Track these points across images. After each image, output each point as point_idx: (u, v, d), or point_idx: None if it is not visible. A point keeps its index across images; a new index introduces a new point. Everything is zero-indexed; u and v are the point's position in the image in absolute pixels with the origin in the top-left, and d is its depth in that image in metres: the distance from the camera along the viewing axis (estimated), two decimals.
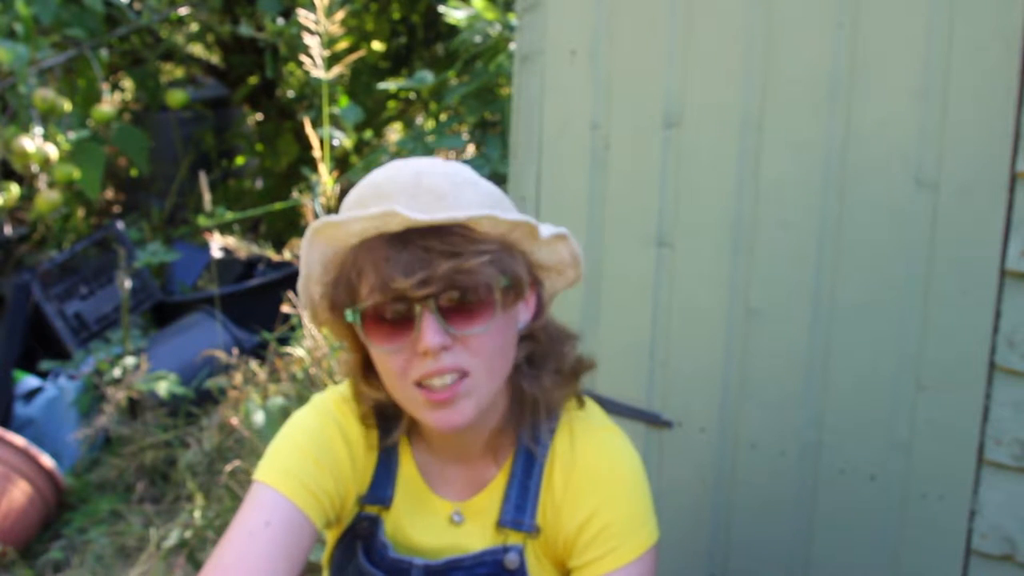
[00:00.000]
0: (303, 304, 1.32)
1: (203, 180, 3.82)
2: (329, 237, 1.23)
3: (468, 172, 1.27)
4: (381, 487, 1.38)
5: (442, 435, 1.35)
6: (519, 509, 1.35)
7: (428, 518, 1.39)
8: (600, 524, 1.33)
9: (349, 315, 1.23)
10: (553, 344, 1.36)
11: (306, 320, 3.10)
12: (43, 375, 3.80)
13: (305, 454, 1.32)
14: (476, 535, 1.37)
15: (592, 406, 1.43)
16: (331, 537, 1.45)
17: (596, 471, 1.35)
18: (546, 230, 1.28)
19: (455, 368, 1.20)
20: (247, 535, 1.23)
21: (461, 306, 1.20)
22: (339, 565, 1.42)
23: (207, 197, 3.69)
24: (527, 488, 1.36)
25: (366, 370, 1.32)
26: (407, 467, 1.40)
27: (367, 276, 1.20)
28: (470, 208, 1.20)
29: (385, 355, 1.23)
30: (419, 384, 1.22)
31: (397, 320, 1.21)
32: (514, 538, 1.36)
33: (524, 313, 1.31)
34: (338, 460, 1.34)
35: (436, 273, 1.17)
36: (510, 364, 1.29)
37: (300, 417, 1.39)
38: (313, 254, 1.25)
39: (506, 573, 1.35)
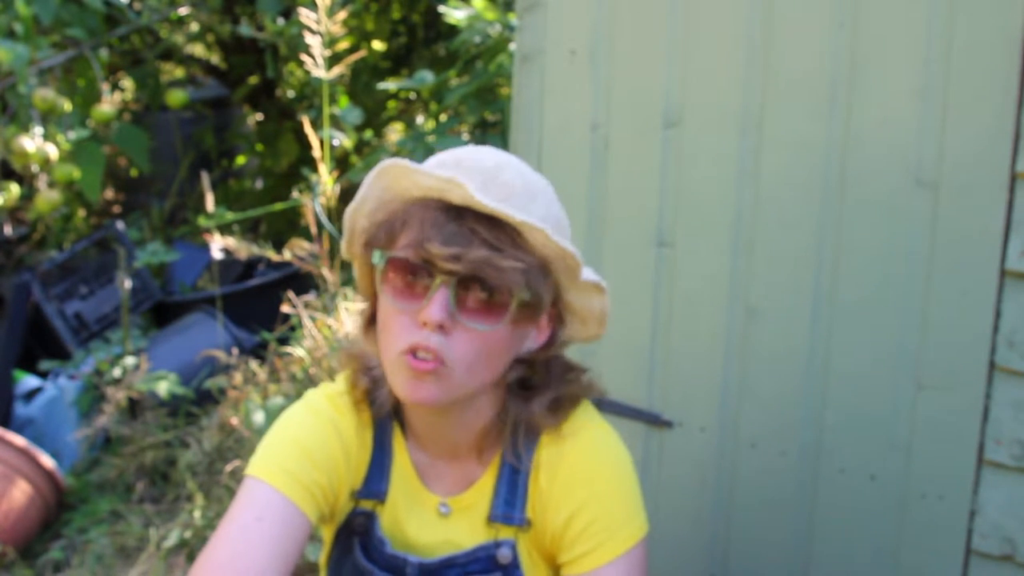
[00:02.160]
0: (344, 229, 1.33)
1: (205, 180, 3.82)
2: (394, 179, 1.24)
3: (550, 189, 1.30)
4: (375, 481, 1.39)
5: (427, 428, 1.37)
6: (508, 503, 1.36)
7: (420, 512, 1.40)
8: (587, 519, 1.33)
9: (377, 256, 1.25)
10: (551, 378, 1.37)
11: (306, 320, 3.10)
12: (43, 375, 3.80)
13: (297, 448, 1.32)
14: (467, 531, 1.38)
15: (582, 402, 1.43)
16: (328, 535, 1.45)
17: (582, 466, 1.35)
18: (587, 274, 1.29)
19: (438, 352, 1.21)
20: (240, 530, 1.23)
21: (476, 298, 1.22)
22: (337, 562, 1.43)
23: (209, 197, 3.68)
24: (515, 484, 1.37)
25: (370, 324, 1.35)
26: (401, 461, 1.40)
27: (409, 230, 1.23)
28: (531, 217, 1.21)
29: (392, 310, 1.25)
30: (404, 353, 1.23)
31: (415, 283, 1.23)
32: (505, 532, 1.37)
33: (533, 340, 1.33)
34: (331, 454, 1.34)
35: (470, 255, 1.18)
36: (495, 376, 1.29)
37: (292, 412, 1.39)
38: (374, 188, 1.27)
39: (499, 568, 1.35)
